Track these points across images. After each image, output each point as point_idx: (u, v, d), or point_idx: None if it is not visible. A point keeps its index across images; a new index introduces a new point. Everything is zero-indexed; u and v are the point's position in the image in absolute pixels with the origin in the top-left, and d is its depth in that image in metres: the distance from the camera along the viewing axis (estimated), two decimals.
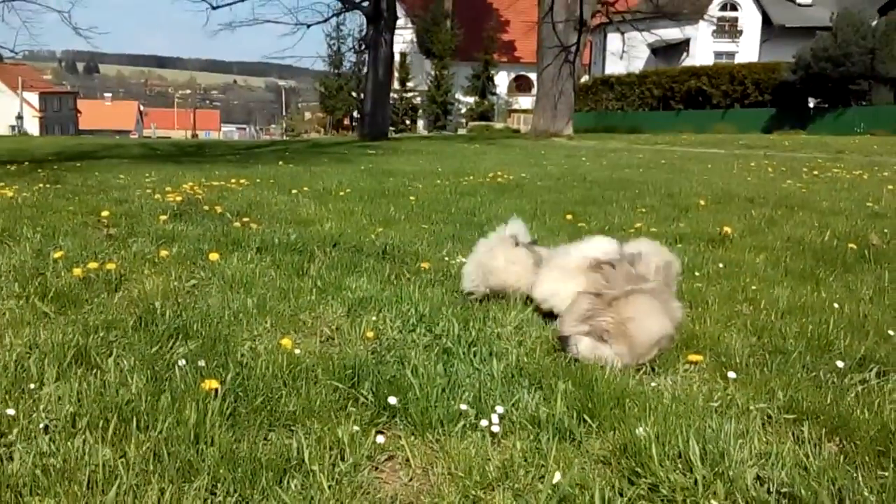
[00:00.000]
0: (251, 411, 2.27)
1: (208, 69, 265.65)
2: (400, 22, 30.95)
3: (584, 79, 46.65)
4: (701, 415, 2.34)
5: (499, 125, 44.69)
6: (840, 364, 2.79)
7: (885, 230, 5.69)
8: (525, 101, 50.58)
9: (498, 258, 3.45)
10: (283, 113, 70.04)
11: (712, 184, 9.30)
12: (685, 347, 3.02)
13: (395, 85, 52.67)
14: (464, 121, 50.58)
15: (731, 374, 2.71)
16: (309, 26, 29.11)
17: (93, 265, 3.76)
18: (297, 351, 2.75)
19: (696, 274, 4.33)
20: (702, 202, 7.36)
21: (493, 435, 2.18)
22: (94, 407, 2.23)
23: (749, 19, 45.19)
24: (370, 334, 2.96)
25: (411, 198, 7.14)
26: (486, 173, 10.22)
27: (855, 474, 1.98)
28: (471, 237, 5.20)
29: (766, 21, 44.66)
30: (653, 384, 2.66)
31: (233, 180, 8.70)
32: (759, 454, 2.08)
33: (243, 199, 7.00)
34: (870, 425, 2.28)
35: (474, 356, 2.75)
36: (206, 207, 6.16)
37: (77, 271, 3.69)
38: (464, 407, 2.29)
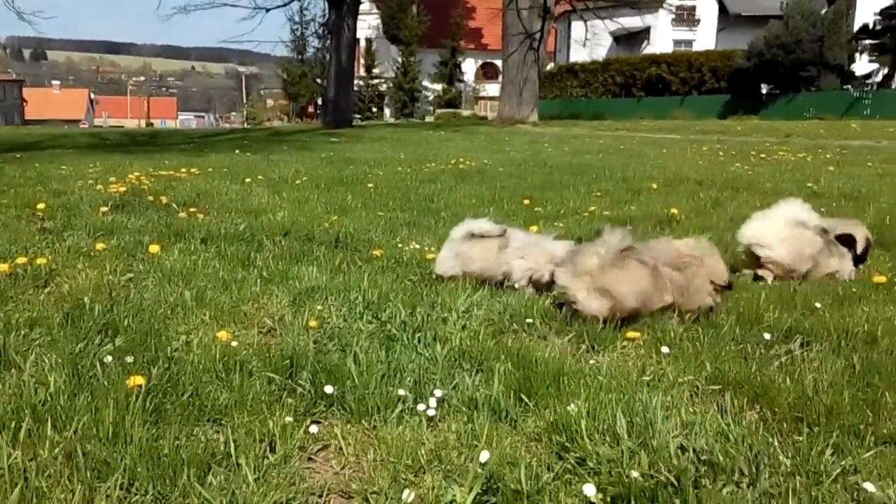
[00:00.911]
0: (178, 406, 2.17)
1: (164, 55, 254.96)
2: (365, 7, 30.60)
3: (550, 66, 46.66)
4: (633, 389, 2.38)
5: (466, 112, 44.54)
6: (767, 336, 2.85)
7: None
8: (492, 89, 50.40)
9: (475, 248, 3.60)
10: (244, 100, 68.11)
11: (665, 168, 9.40)
12: (625, 324, 3.06)
13: (361, 72, 52.02)
14: (431, 108, 50.18)
15: (665, 349, 2.76)
16: (268, 10, 28.50)
17: (21, 260, 3.59)
18: (233, 343, 2.66)
19: None
20: (654, 185, 7.45)
21: (429, 419, 2.17)
22: (7, 408, 2.11)
23: (706, 8, 45.50)
24: (313, 323, 2.90)
25: (370, 185, 7.10)
26: (449, 160, 10.22)
27: (771, 440, 2.03)
28: (427, 223, 5.21)
29: (723, 9, 45.02)
30: (591, 361, 2.69)
31: (183, 170, 8.48)
32: (684, 424, 2.12)
33: (192, 189, 6.76)
34: (790, 393, 2.34)
35: (418, 342, 2.74)
36: (150, 198, 5.94)
37: (3, 266, 3.47)
38: (402, 392, 2.27)
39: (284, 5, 30.17)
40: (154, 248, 4.00)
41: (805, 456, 1.95)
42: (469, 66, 54.43)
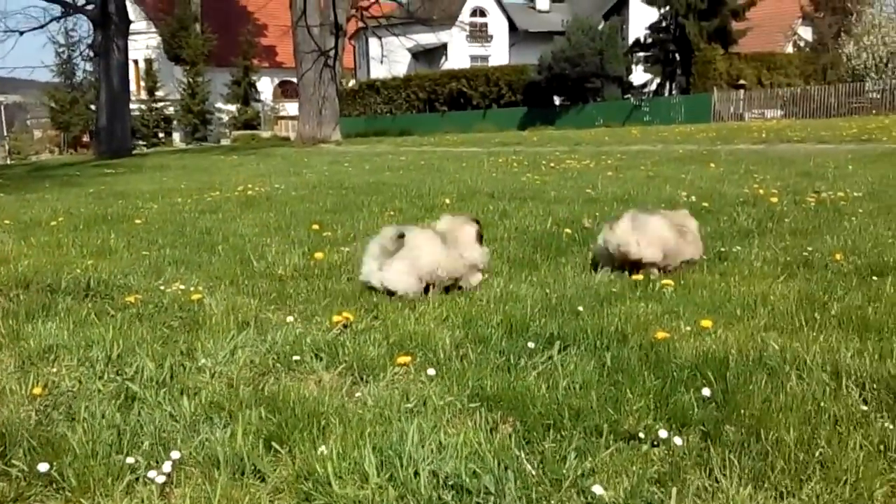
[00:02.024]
0: None
1: None
2: (141, 26, 28.97)
3: (352, 83, 47.06)
4: (394, 419, 2.36)
5: (266, 134, 43.62)
6: (531, 345, 2.97)
7: (597, 213, 6.28)
8: (293, 108, 49.77)
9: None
10: (5, 133, 60.94)
11: (461, 182, 9.73)
12: (397, 349, 3.06)
13: (142, 95, 49.16)
14: (227, 130, 48.51)
15: (431, 371, 2.78)
16: (22, 33, 26.25)
17: None
18: None
19: None
20: (447, 200, 7.66)
21: (160, 487, 1.99)
22: None
23: (497, 25, 48.30)
24: (38, 391, 2.60)
25: (137, 221, 6.63)
26: (237, 187, 9.86)
27: (519, 452, 2.10)
28: (199, 260, 4.92)
29: (513, 26, 48.07)
30: (357, 395, 2.64)
31: None
32: (439, 448, 2.13)
33: None
34: (545, 400, 2.44)
35: (164, 398, 2.54)
36: None
37: None
38: (133, 459, 2.07)
39: (42, 27, 27.80)
40: None
41: (549, 463, 2.02)
42: (266, 85, 53.32)
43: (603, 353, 2.87)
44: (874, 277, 3.74)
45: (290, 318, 3.52)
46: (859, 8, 35.54)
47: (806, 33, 42.94)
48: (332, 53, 25.39)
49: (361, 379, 2.80)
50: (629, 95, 37.83)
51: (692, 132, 21.09)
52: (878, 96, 30.40)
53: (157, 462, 2.09)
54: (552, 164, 12.00)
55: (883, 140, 14.73)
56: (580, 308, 3.46)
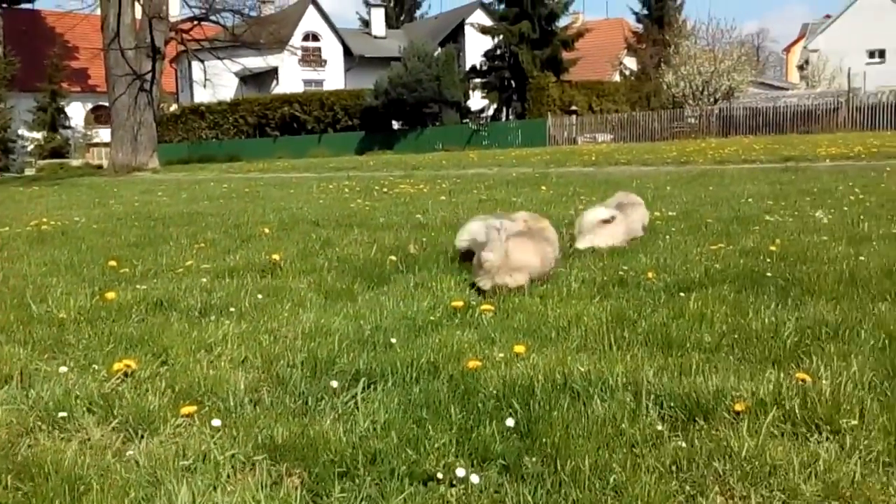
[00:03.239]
0: None
1: None
2: None
3: (174, 108, 45.23)
4: (166, 480, 2.13)
5: (76, 162, 40.78)
6: (335, 384, 2.83)
7: (424, 239, 6.27)
8: (107, 134, 46.90)
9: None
10: None
11: (285, 210, 9.46)
12: (183, 399, 2.81)
13: None
14: (32, 160, 44.83)
15: (216, 422, 2.56)
16: None
17: None
18: None
19: (231, 310, 4.18)
20: (267, 230, 7.37)
21: None
22: None
23: (331, 50, 48.35)
24: None
25: None
26: (30, 221, 9.00)
27: None
28: None
29: (348, 51, 48.30)
30: (130, 452, 2.38)
31: None
32: None
33: None
34: (340, 445, 2.30)
35: None
36: None
37: None
38: None
39: None
40: None
41: None
42: (77, 110, 49.91)
43: (411, 388, 2.78)
44: (681, 294, 3.94)
45: (63, 369, 3.18)
46: (677, 41, 38.93)
47: (631, 63, 46.49)
48: (148, 77, 24.21)
49: (137, 434, 2.53)
50: (468, 120, 39.04)
51: (527, 155, 22.01)
52: (696, 121, 33.37)
53: None
54: (385, 190, 11.99)
55: (699, 162, 16.08)
56: (393, 340, 3.36)
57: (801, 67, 50.35)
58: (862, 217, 6.23)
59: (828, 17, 53.30)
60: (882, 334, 3.00)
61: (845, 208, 6.86)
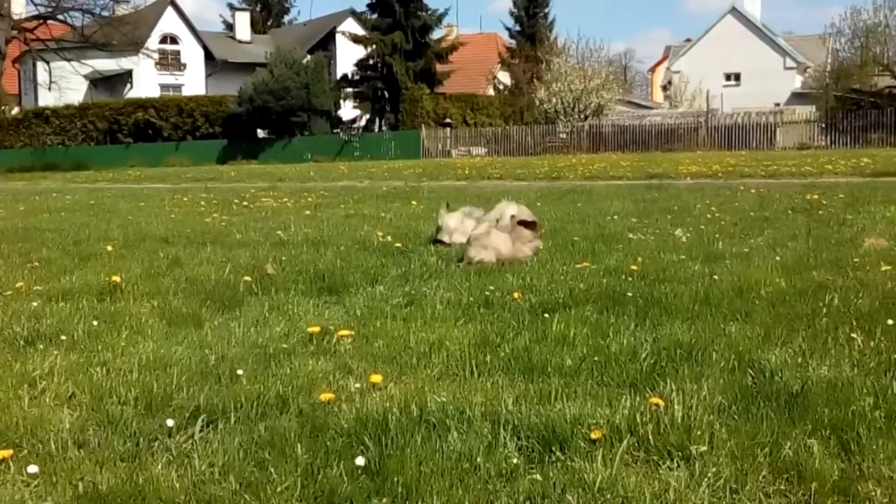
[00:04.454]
0: None
1: None
2: None
3: (15, 111, 42.42)
4: None
5: None
6: (170, 422, 2.64)
7: (283, 258, 6.09)
8: None
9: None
10: None
11: (132, 225, 8.97)
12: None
13: None
14: None
15: (33, 468, 2.33)
16: None
17: None
18: None
19: (62, 338, 3.87)
20: (109, 248, 6.94)
21: None
22: None
23: (191, 53, 46.78)
24: None
25: None
26: None
27: None
28: None
29: (209, 56, 46.87)
30: None
31: None
32: None
33: None
34: (172, 492, 2.14)
35: None
36: None
37: None
38: None
39: None
40: None
41: None
42: None
43: (256, 425, 2.64)
44: (545, 315, 3.99)
45: None
46: (548, 57, 40.40)
47: (505, 78, 47.77)
48: None
49: None
50: (338, 130, 38.77)
51: (400, 168, 22.08)
52: (567, 137, 34.70)
53: None
54: (245, 203, 11.63)
55: (570, 178, 16.67)
56: (240, 371, 3.19)
57: (664, 87, 53.44)
58: (717, 235, 6.60)
59: (688, 40, 56.97)
60: (732, 355, 3.14)
61: (702, 227, 7.25)
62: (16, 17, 26.16)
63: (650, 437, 2.35)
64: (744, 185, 12.33)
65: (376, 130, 41.26)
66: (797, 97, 44.41)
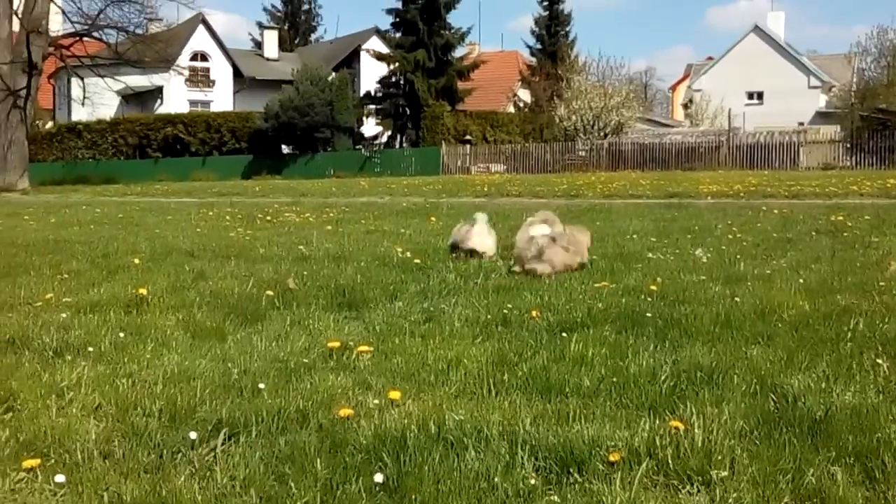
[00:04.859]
0: None
1: None
2: None
3: (49, 126, 43.18)
4: None
5: None
6: (193, 435, 2.65)
7: (305, 272, 6.11)
8: None
9: None
10: None
11: (160, 238, 9.06)
12: (27, 451, 2.57)
13: None
14: None
15: (60, 478, 2.35)
16: None
17: None
18: None
19: (89, 349, 3.91)
20: (136, 261, 7.01)
21: None
22: None
23: (220, 70, 47.41)
24: None
25: None
26: None
27: None
28: None
29: (238, 73, 47.49)
30: None
31: None
32: None
33: None
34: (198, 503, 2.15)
35: None
36: None
37: None
38: None
39: None
40: None
41: None
42: None
43: (277, 439, 2.64)
44: (563, 334, 3.97)
45: None
46: (569, 75, 40.47)
47: (525, 95, 47.91)
48: (23, 94, 23.04)
49: None
50: (360, 147, 39.02)
51: (420, 184, 22.13)
52: (586, 154, 34.64)
53: None
54: (269, 218, 11.71)
55: (588, 195, 16.61)
56: (262, 385, 3.20)
57: (685, 106, 53.31)
58: (738, 256, 6.53)
59: (710, 58, 56.84)
60: (753, 379, 3.10)
61: (723, 247, 7.19)
62: (53, 35, 26.68)
63: (669, 460, 2.32)
64: (766, 206, 12.21)
65: (397, 147, 41.48)
66: (821, 116, 44.10)
